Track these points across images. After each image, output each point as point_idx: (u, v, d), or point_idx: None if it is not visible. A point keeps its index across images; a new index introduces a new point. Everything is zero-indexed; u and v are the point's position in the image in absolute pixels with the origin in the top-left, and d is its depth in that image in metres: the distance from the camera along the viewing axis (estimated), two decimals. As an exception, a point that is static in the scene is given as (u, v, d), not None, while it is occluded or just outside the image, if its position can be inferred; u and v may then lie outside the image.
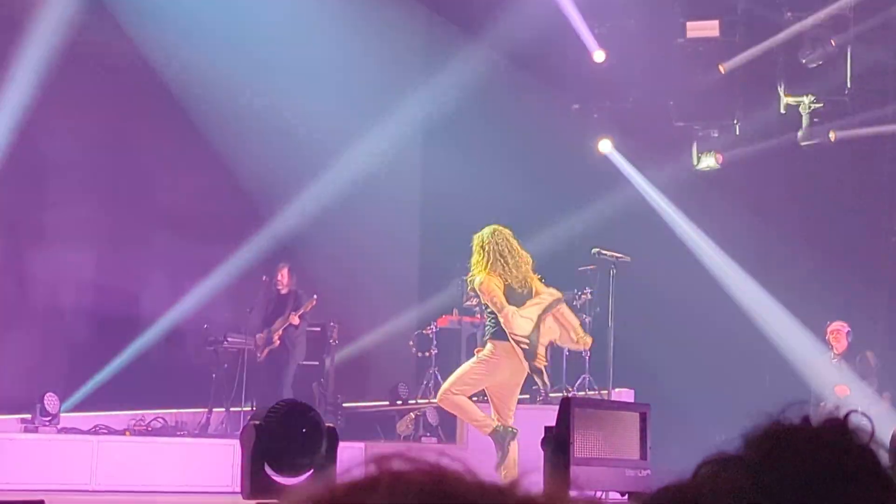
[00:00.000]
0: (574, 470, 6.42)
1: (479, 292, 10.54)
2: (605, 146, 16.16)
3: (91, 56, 14.58)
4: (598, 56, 15.88)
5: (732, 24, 15.42)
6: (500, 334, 10.37)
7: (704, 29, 15.37)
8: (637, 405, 6.97)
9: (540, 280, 10.72)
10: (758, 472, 1.41)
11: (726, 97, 15.65)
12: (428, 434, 13.72)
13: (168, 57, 15.18)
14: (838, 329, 13.86)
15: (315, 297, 14.57)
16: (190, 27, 15.11)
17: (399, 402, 15.27)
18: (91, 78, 14.61)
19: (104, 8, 14.67)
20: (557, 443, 6.38)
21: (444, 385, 10.64)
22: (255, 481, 6.89)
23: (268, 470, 6.84)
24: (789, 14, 15.16)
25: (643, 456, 6.83)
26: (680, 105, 15.82)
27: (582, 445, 6.50)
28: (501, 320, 10.29)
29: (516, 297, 10.41)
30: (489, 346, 10.45)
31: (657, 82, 15.75)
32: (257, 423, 7.04)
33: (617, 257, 12.56)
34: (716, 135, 15.79)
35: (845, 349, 13.77)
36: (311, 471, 6.96)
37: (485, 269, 10.37)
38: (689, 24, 15.35)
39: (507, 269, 10.34)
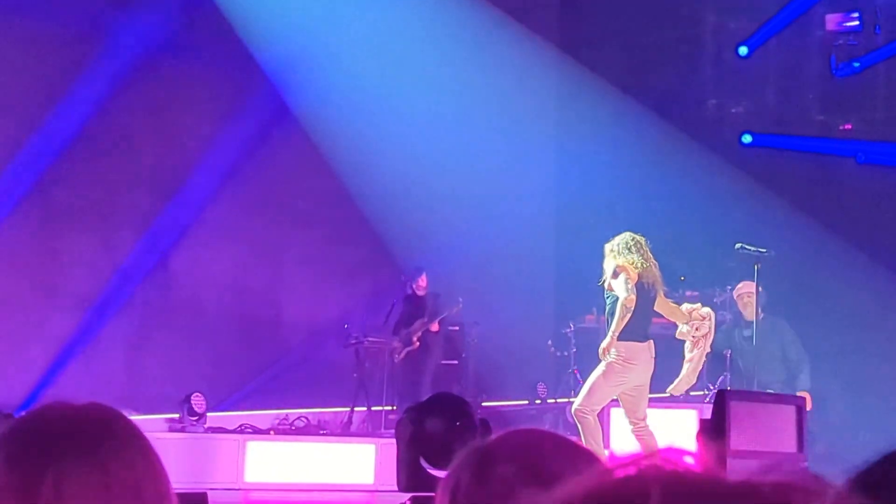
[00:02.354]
0: (730, 462, 6.34)
1: (615, 274, 10.24)
2: (747, 140, 16.00)
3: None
4: (743, 50, 15.74)
5: (873, 16, 15.16)
6: (624, 335, 10.24)
7: (844, 21, 15.13)
8: (792, 398, 6.87)
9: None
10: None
11: (867, 91, 15.41)
12: (567, 434, 13.67)
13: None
14: (749, 291, 12.60)
15: (461, 301, 14.64)
16: (334, 81, 15.39)
17: (538, 401, 15.27)
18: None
19: (259, 70, 15.03)
20: (713, 435, 6.32)
21: (579, 399, 10.40)
22: (411, 474, 6.89)
23: (423, 463, 6.84)
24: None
25: (800, 448, 6.74)
26: (820, 98, 15.61)
27: (738, 438, 6.44)
28: (619, 304, 10.16)
29: (644, 296, 10.29)
30: (614, 349, 10.34)
31: (797, 76, 15.57)
32: (413, 415, 7.03)
33: (760, 252, 12.39)
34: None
35: (757, 317, 12.54)
36: (466, 463, 6.90)
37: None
38: (828, 16, 15.13)
39: (637, 266, 10.24)
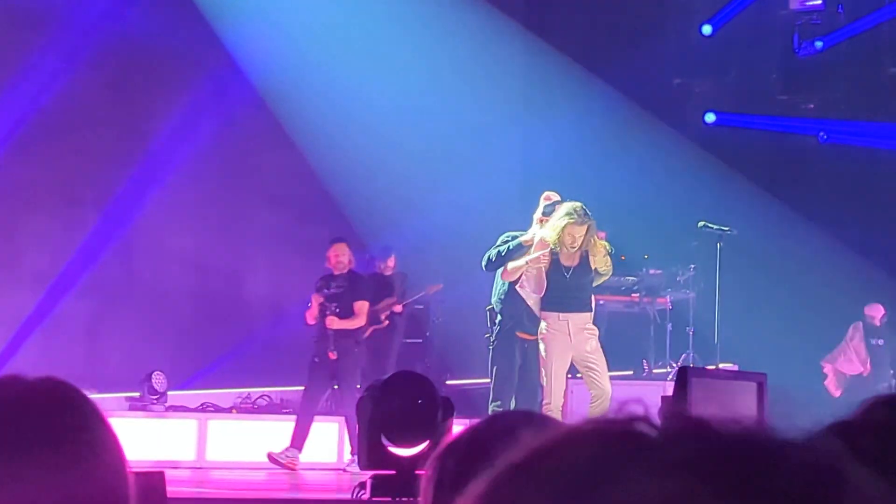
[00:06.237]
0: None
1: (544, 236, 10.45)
2: (711, 118, 16.01)
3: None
4: (707, 29, 15.73)
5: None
6: (546, 305, 10.34)
7: (808, 0, 15.14)
8: (753, 374, 6.83)
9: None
10: None
11: (829, 70, 15.44)
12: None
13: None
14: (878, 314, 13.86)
15: (441, 284, 14.71)
16: (299, 58, 15.32)
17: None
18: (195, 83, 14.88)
19: (222, 46, 14.93)
20: (675, 411, 6.31)
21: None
22: (371, 452, 6.86)
23: (384, 441, 6.80)
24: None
25: (761, 426, 6.74)
26: (783, 78, 15.64)
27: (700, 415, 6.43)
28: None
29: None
30: (542, 323, 10.61)
31: (760, 55, 15.58)
32: (373, 394, 7.00)
33: (723, 230, 12.41)
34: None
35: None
36: (428, 441, 6.92)
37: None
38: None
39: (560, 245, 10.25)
